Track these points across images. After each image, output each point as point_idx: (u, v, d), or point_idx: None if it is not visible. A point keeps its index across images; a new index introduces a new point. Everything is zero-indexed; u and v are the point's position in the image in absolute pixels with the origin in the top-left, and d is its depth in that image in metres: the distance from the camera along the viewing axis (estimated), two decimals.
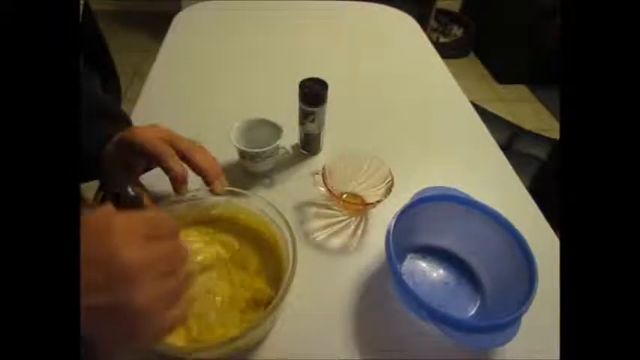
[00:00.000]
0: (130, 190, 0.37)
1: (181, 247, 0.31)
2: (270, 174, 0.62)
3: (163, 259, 0.28)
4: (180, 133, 0.45)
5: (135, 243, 0.26)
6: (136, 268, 0.26)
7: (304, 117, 0.60)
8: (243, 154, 0.58)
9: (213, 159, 0.46)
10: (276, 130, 0.59)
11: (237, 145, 0.56)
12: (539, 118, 2.05)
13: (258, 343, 0.42)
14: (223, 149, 0.57)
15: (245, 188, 0.47)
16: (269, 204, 0.44)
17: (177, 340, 0.37)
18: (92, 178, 0.48)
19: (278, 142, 0.57)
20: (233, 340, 0.34)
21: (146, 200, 0.40)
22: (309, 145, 0.64)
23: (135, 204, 0.37)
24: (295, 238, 0.41)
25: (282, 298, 0.37)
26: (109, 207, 0.28)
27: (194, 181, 0.45)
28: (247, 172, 0.61)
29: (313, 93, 0.57)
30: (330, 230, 0.55)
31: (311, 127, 0.61)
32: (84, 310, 0.23)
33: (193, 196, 0.46)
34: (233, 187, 0.47)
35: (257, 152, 0.56)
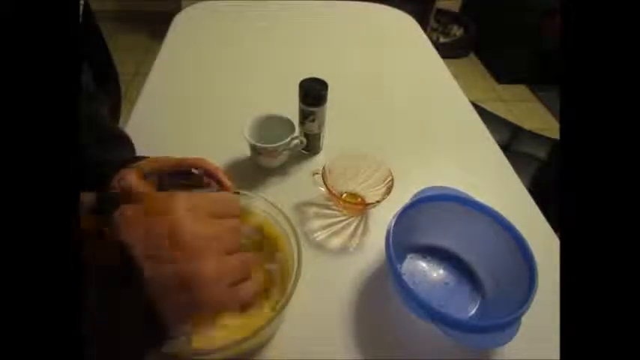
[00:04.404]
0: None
1: (241, 227, 0.31)
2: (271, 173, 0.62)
3: (226, 237, 0.28)
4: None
5: (198, 219, 0.27)
6: (201, 241, 0.26)
7: (304, 117, 0.60)
8: (260, 151, 0.58)
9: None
10: (283, 123, 0.60)
11: (253, 142, 0.57)
12: (539, 118, 2.04)
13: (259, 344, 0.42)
14: (222, 149, 0.57)
15: (244, 188, 0.47)
16: (272, 205, 0.44)
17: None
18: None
19: (296, 134, 0.58)
20: (241, 341, 0.34)
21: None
22: (309, 145, 0.64)
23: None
24: (300, 240, 0.41)
25: (288, 300, 0.37)
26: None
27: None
28: (247, 172, 0.61)
29: (313, 93, 0.57)
30: (330, 230, 0.55)
31: (311, 127, 0.61)
32: (149, 281, 0.24)
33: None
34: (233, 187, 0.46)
35: (274, 147, 0.57)
